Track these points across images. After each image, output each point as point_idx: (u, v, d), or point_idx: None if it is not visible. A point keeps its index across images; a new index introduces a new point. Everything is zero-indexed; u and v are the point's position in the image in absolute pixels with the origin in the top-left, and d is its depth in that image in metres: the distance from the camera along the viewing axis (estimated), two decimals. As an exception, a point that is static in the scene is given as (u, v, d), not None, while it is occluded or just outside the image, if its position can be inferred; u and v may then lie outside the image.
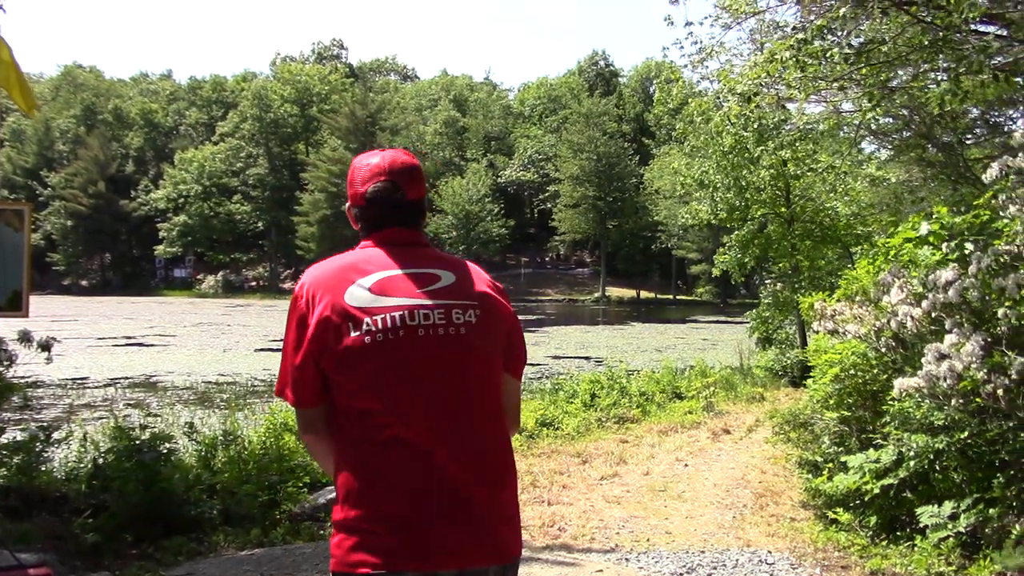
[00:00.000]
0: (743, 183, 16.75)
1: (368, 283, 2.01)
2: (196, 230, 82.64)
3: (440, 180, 79.04)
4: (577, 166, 75.94)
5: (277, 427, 7.62)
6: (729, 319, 46.99)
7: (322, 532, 5.88)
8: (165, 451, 6.02)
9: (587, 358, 25.41)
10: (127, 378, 19.46)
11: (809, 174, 16.75)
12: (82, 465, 6.38)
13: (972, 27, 6.24)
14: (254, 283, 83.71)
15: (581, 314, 58.31)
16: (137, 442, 5.95)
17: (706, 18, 8.88)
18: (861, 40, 6.72)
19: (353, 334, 1.93)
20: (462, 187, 76.25)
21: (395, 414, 1.92)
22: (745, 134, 15.91)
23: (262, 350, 27.52)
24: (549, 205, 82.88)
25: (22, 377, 6.34)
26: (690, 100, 15.65)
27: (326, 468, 2.10)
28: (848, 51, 6.23)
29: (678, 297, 76.45)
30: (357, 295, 1.98)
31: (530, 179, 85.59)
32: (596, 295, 75.87)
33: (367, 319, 1.94)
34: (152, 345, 28.87)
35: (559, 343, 31.62)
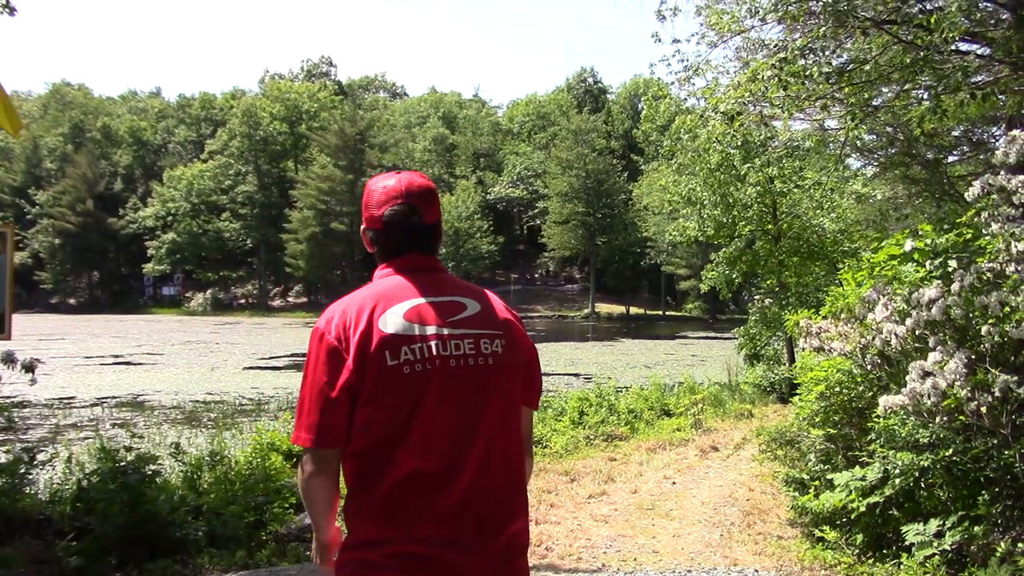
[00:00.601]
0: (730, 200, 16.83)
1: (401, 311, 2.01)
2: (185, 248, 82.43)
3: (429, 197, 79.12)
4: (566, 183, 76.22)
5: (264, 447, 7.58)
6: (718, 335, 47.08)
7: (307, 553, 5.84)
8: (150, 473, 5.97)
9: (576, 375, 25.39)
10: (114, 397, 19.34)
11: (796, 191, 16.83)
12: (67, 487, 6.32)
13: (953, 47, 6.31)
14: (243, 301, 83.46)
15: (571, 330, 58.33)
16: (122, 463, 5.90)
17: (692, 36, 9.00)
18: (844, 60, 6.78)
19: (391, 363, 1.94)
20: (451, 204, 76.31)
21: (419, 446, 1.93)
22: (732, 151, 15.98)
23: (250, 368, 27.42)
24: (538, 222, 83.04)
25: (7, 397, 6.30)
26: (677, 117, 15.74)
27: (321, 511, 2.07)
28: (829, 71, 6.29)
29: (667, 313, 76.59)
30: (393, 322, 1.98)
31: (519, 196, 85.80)
32: (586, 311, 75.92)
33: (405, 347, 1.95)
34: (140, 364, 28.71)
35: (548, 360, 31.57)
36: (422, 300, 2.05)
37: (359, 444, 1.96)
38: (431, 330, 2.00)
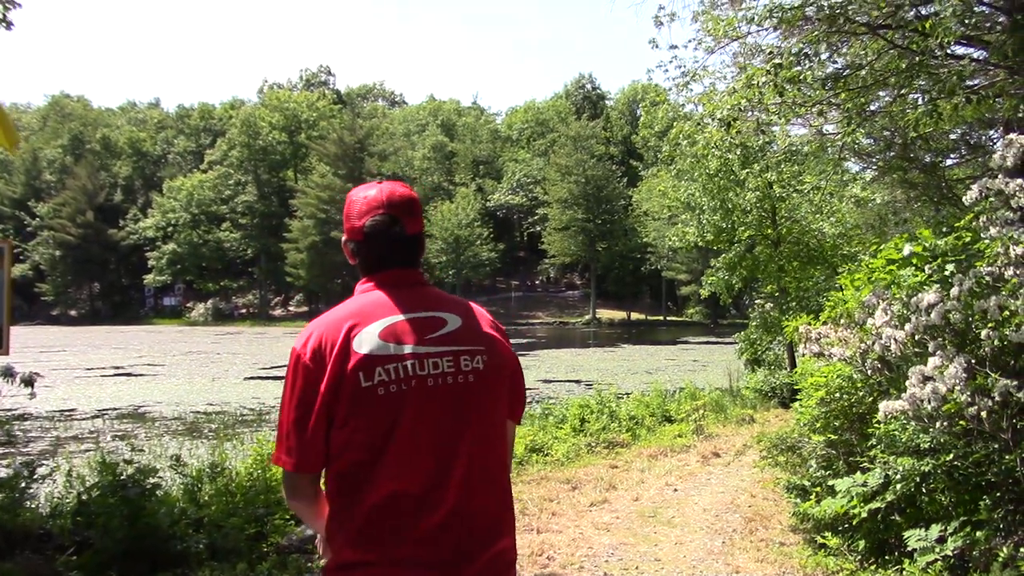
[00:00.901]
0: (729, 205, 16.84)
1: (377, 330, 1.97)
2: (185, 258, 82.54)
3: (429, 205, 79.25)
4: (565, 189, 76.32)
5: (265, 457, 7.56)
6: (719, 340, 47.04)
7: (309, 564, 5.82)
8: (150, 486, 5.96)
9: (577, 381, 25.37)
10: (115, 409, 19.32)
11: (795, 195, 16.84)
12: (67, 501, 6.31)
13: (949, 51, 6.32)
14: (244, 310, 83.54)
15: (572, 337, 58.30)
16: (122, 477, 5.89)
17: (690, 42, 8.99)
18: (840, 65, 6.79)
19: (365, 384, 1.90)
20: (451, 212, 76.48)
21: (397, 468, 1.90)
22: (730, 157, 15.97)
23: (252, 378, 27.39)
24: (538, 228, 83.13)
25: (7, 411, 6.30)
26: (675, 123, 15.76)
27: (313, 521, 2.07)
28: (824, 76, 6.30)
29: (668, 318, 76.57)
30: (367, 342, 1.94)
31: (519, 203, 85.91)
32: (587, 317, 75.94)
33: (379, 368, 1.92)
34: (141, 375, 28.69)
35: (549, 367, 31.56)
36: (400, 317, 2.01)
37: (338, 466, 1.94)
38: (407, 349, 1.96)
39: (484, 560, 1.95)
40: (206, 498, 6.73)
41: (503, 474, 2.08)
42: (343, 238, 2.19)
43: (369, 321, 1.99)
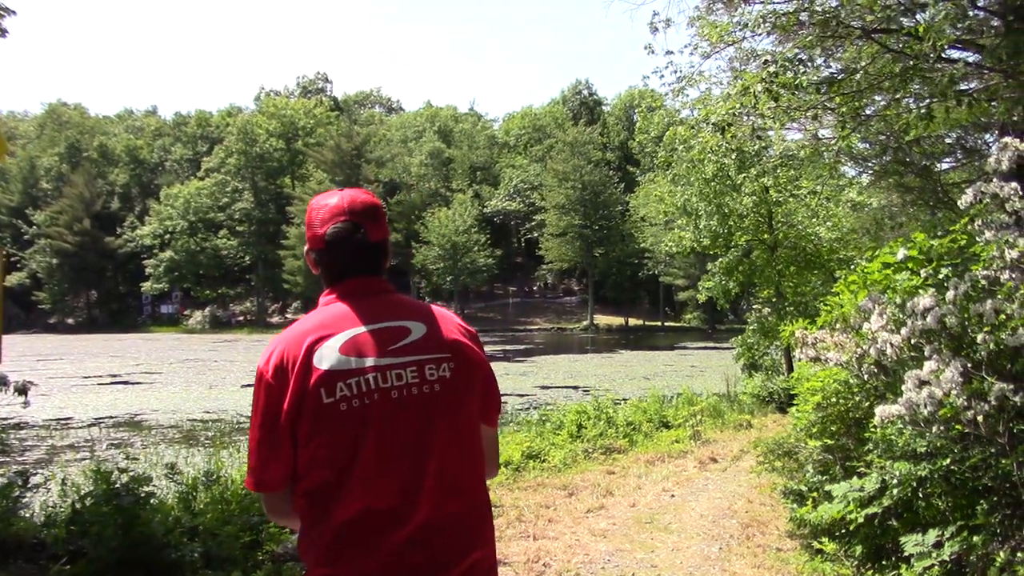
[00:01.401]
0: (726, 210, 16.84)
1: (337, 344, 1.92)
2: (182, 266, 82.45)
3: (426, 211, 79.28)
4: (563, 195, 76.35)
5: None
6: (717, 345, 47.05)
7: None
8: (144, 494, 5.94)
9: (575, 387, 25.35)
10: (111, 417, 19.28)
11: (791, 200, 16.86)
12: (61, 510, 6.29)
13: (943, 55, 6.32)
14: (241, 318, 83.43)
15: (569, 343, 58.29)
16: (116, 485, 5.87)
17: (685, 47, 8.97)
18: (834, 69, 6.79)
19: (327, 400, 1.86)
20: (448, 218, 76.45)
21: (363, 484, 1.86)
22: (726, 161, 15.99)
23: (248, 386, 27.25)
24: (535, 234, 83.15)
25: (3, 419, 6.28)
26: (671, 128, 15.78)
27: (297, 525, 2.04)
28: (818, 80, 6.30)
29: (666, 324, 76.61)
30: (327, 357, 1.90)
31: (516, 209, 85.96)
32: (584, 323, 75.93)
33: (340, 383, 1.88)
34: (138, 383, 28.64)
35: (547, 373, 31.55)
36: (362, 329, 1.96)
37: (305, 484, 1.91)
38: (369, 362, 1.91)
39: (458, 572, 1.91)
40: (201, 506, 6.71)
41: (478, 483, 2.03)
42: (305, 248, 2.15)
43: (330, 335, 1.94)
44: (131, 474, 6.16)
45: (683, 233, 17.92)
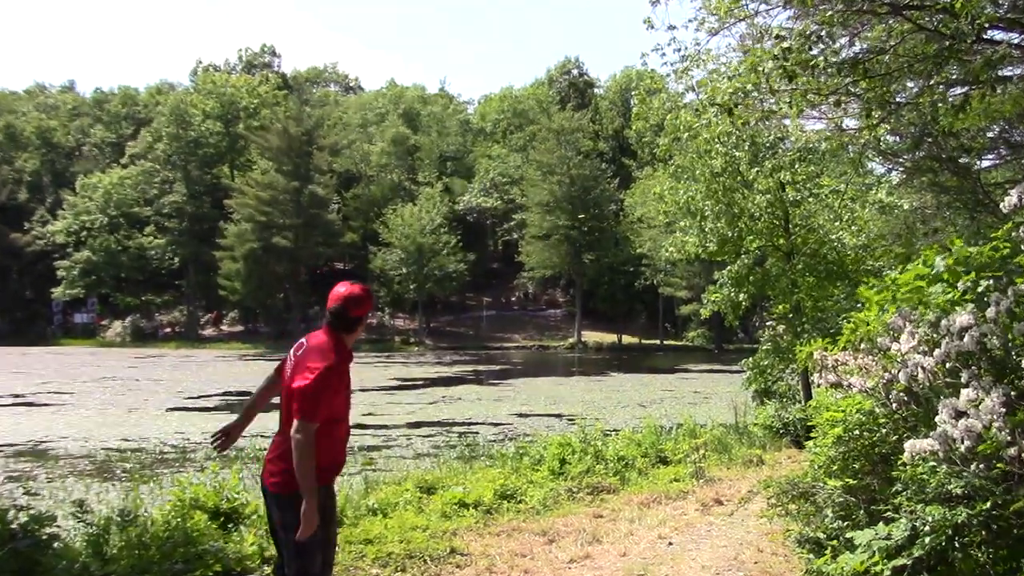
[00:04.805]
0: (736, 210, 16.86)
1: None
2: (101, 268, 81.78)
3: (387, 208, 79.13)
4: (547, 190, 76.51)
5: (186, 503, 7.46)
6: (724, 367, 47.23)
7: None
8: (46, 537, 5.86)
9: (558, 416, 25.38)
10: (11, 445, 19.07)
11: (811, 200, 16.91)
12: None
13: (983, 35, 6.35)
14: (169, 330, 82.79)
15: (553, 363, 58.33)
16: (13, 526, 5.79)
17: (690, 21, 8.95)
18: (860, 49, 6.81)
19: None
20: (413, 215, 76.36)
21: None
22: (737, 154, 16.05)
23: (175, 409, 27.16)
24: (515, 236, 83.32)
25: None
26: (673, 113, 15.79)
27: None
28: (840, 61, 6.31)
29: (666, 342, 76.87)
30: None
31: (493, 206, 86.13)
32: (571, 341, 76.07)
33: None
34: (45, 404, 28.37)
35: (525, 398, 31.54)
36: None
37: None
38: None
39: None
40: (114, 551, 6.61)
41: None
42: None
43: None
44: (31, 513, 6.08)
45: (686, 237, 17.92)
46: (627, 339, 77.77)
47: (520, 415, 25.63)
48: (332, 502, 5.04)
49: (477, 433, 20.80)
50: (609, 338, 77.71)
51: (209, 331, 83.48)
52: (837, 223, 16.92)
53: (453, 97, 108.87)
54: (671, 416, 20.74)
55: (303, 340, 4.98)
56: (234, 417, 5.39)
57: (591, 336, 77.59)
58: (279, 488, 4.70)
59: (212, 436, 5.33)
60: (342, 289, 4.95)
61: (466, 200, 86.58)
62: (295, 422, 4.53)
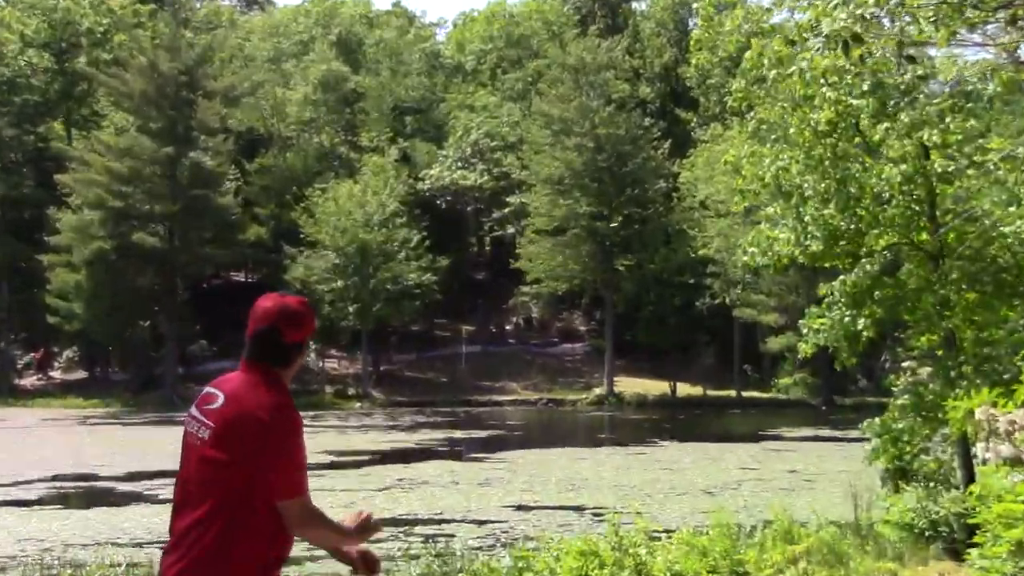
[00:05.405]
0: (852, 189, 16.82)
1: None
2: None
3: (313, 187, 78.57)
4: (560, 160, 76.25)
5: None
6: (835, 433, 47.23)
7: None
8: None
9: (578, 508, 25.44)
10: None
11: (970, 173, 16.87)
12: None
13: None
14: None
15: (569, 426, 58.34)
16: None
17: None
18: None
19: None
20: (353, 198, 75.85)
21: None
22: (854, 102, 16.01)
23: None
24: (511, 229, 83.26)
25: None
26: (754, 41, 15.76)
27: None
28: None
29: (745, 394, 76.59)
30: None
31: (476, 184, 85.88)
32: (598, 392, 75.91)
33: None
34: None
35: (528, 482, 31.47)
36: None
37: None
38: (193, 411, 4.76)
39: None
40: None
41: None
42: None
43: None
44: None
45: (775, 231, 17.89)
46: (685, 389, 77.58)
47: (519, 507, 25.58)
48: None
49: (452, 536, 20.71)
50: (656, 387, 77.55)
51: (32, 380, 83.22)
52: (1012, 208, 16.88)
53: (414, 17, 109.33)
54: (754, 509, 20.73)
55: (212, 389, 4.78)
56: (79, 514, 5.64)
57: (629, 384, 77.44)
58: None
59: None
60: (268, 303, 4.81)
61: (435, 175, 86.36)
62: (284, 505, 4.50)
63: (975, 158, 16.71)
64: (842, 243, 17.24)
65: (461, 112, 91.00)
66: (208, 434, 4.64)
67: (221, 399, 4.70)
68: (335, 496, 27.95)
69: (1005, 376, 13.29)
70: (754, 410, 69.19)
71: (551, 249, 76.88)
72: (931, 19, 7.56)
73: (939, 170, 16.77)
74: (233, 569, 4.48)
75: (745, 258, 18.91)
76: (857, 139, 16.57)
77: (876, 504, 19.11)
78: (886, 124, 16.02)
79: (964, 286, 17.07)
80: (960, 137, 16.56)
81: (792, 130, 16.88)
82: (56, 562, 17.55)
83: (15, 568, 17.80)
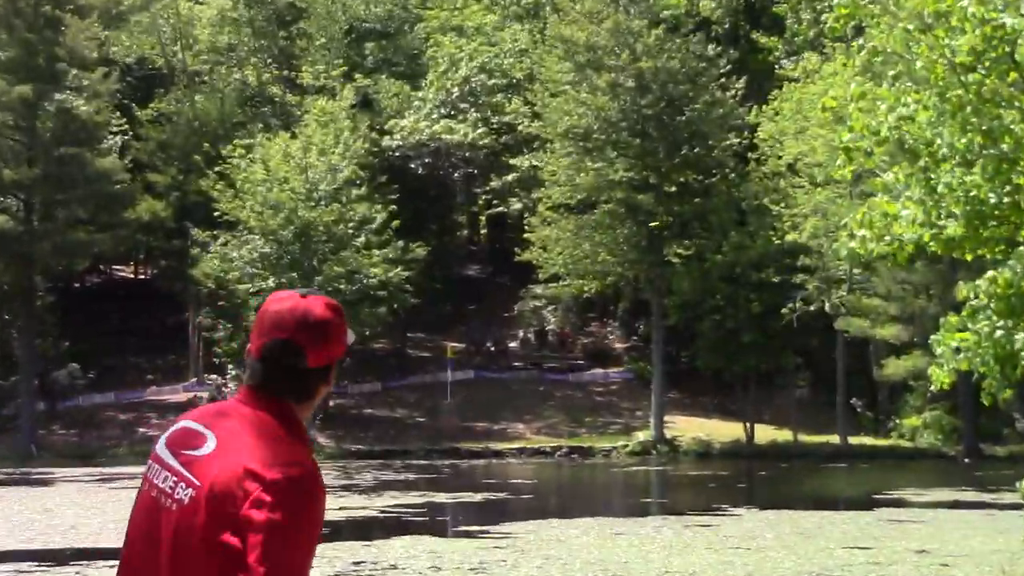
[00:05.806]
0: (1006, 146, 16.85)
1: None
2: None
3: (230, 145, 78.41)
4: (587, 106, 76.19)
5: None
6: (984, 497, 47.32)
7: None
8: None
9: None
10: None
11: None
12: None
13: None
14: None
15: (601, 486, 58.49)
16: None
17: None
18: None
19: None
20: (290, 160, 75.79)
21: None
22: (1010, 22, 16.02)
23: None
24: (516, 205, 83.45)
25: None
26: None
27: None
28: None
29: (853, 441, 76.69)
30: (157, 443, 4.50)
31: (465, 139, 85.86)
32: (641, 436, 76.24)
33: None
34: None
35: (541, 567, 31.49)
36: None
37: None
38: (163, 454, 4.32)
39: None
40: None
41: None
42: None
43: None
44: None
45: (895, 206, 17.91)
46: (766, 433, 77.97)
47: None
48: None
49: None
50: (726, 431, 77.97)
51: None
52: None
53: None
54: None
55: (195, 426, 4.16)
56: None
57: (686, 427, 77.91)
58: None
59: None
60: (283, 306, 4.14)
61: (408, 127, 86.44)
62: None
63: None
64: (992, 224, 17.22)
65: (445, 37, 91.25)
66: (189, 497, 3.98)
67: (210, 444, 4.08)
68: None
69: None
70: (866, 463, 69.41)
71: (574, 233, 76.91)
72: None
73: None
74: None
75: (852, 245, 18.90)
76: (1013, 75, 16.59)
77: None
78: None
79: None
80: None
81: (920, 63, 16.89)
82: None
83: None
